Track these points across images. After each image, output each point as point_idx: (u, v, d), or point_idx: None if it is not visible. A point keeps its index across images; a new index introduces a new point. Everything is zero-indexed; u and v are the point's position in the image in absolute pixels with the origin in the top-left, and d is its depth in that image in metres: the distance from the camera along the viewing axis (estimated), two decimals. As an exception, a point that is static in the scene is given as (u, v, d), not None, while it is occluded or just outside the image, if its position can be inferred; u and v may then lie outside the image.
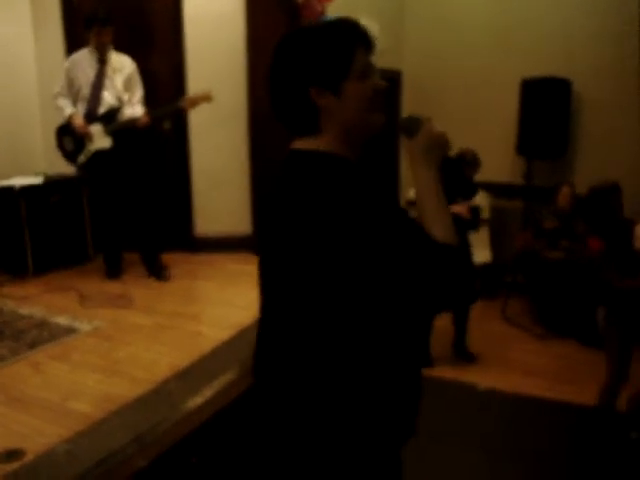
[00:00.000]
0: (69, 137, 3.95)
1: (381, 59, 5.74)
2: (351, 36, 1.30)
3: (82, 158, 3.94)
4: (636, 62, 5.05)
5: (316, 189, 1.22)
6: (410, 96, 6.06)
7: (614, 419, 3.35)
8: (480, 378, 4.10)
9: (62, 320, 3.34)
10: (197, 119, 4.37)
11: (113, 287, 3.89)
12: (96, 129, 3.88)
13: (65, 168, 4.64)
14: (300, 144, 1.33)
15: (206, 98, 3.80)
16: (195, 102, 3.81)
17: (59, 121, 4.05)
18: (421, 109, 6.14)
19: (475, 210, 4.09)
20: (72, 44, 4.59)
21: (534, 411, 3.70)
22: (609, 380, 3.33)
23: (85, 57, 3.92)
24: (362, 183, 1.23)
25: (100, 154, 3.90)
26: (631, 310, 3.24)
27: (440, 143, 1.32)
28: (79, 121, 3.87)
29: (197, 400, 2.46)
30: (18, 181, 4.17)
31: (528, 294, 5.28)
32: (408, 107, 6.08)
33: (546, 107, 5.11)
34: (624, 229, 3.23)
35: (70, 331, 3.19)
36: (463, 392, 3.94)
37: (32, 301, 3.65)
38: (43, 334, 3.15)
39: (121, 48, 3.95)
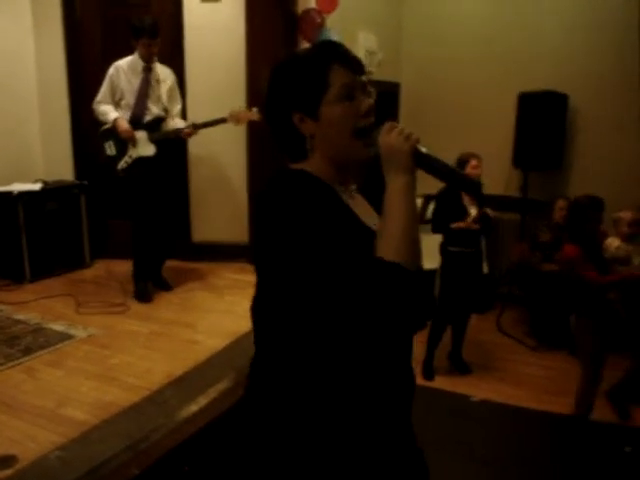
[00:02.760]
0: (111, 141, 3.88)
1: (379, 71, 5.83)
2: (324, 58, 1.27)
3: (123, 164, 3.88)
4: (632, 77, 5.09)
5: (265, 198, 1.22)
6: (408, 108, 6.09)
7: (590, 427, 3.44)
8: (475, 389, 4.10)
9: (57, 326, 3.34)
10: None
11: (109, 294, 3.89)
12: (140, 136, 3.85)
13: (64, 175, 4.67)
14: (293, 166, 1.33)
15: (252, 116, 3.79)
16: (239, 118, 3.80)
17: (59, 127, 4.06)
18: (418, 121, 6.24)
19: (485, 216, 4.10)
20: (73, 53, 4.65)
21: (527, 422, 3.71)
22: (584, 386, 3.45)
23: (130, 66, 3.87)
24: (315, 202, 1.18)
25: (142, 161, 3.86)
26: (606, 318, 3.36)
27: (398, 146, 1.20)
28: (125, 126, 3.82)
29: (192, 408, 2.46)
30: (16, 187, 4.18)
31: (523, 306, 5.29)
32: (406, 119, 6.11)
33: (543, 120, 5.13)
34: (598, 241, 3.52)
35: (65, 337, 3.19)
36: (458, 403, 3.95)
37: (28, 307, 3.65)
38: (38, 340, 3.14)
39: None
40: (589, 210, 3.45)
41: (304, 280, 1.12)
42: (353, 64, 1.28)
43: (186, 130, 3.87)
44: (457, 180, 1.27)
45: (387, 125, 1.23)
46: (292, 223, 1.14)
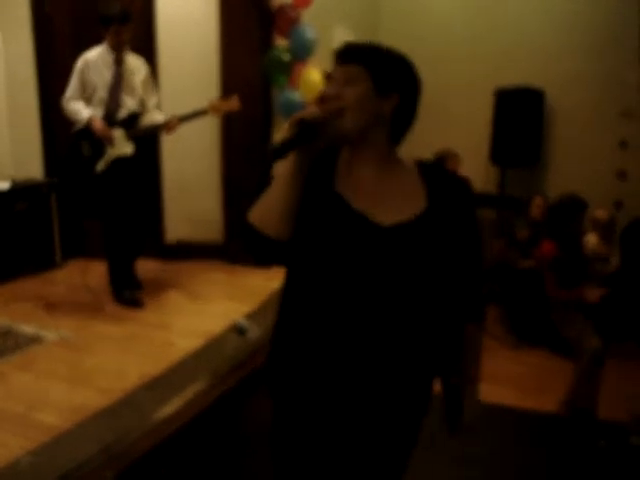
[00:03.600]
0: (86, 142, 3.66)
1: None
2: None
3: (102, 164, 3.68)
4: (608, 73, 5.16)
5: None
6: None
7: (590, 425, 3.42)
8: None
9: (28, 329, 3.28)
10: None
11: (81, 295, 3.82)
12: (117, 133, 3.66)
13: (33, 173, 4.56)
14: None
15: (231, 105, 3.69)
16: (219, 108, 3.70)
17: (28, 124, 3.96)
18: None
19: None
20: (42, 48, 4.55)
21: (506, 420, 3.71)
22: (577, 387, 3.42)
23: (100, 57, 3.66)
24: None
25: (120, 160, 3.68)
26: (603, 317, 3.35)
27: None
28: (100, 124, 3.60)
29: (166, 410, 2.44)
30: (-16, 186, 4.09)
31: (502, 304, 5.32)
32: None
33: (519, 117, 5.17)
34: (578, 240, 3.57)
35: (36, 340, 3.14)
36: (436, 402, 3.93)
37: (-3, 309, 3.57)
38: (7, 343, 3.09)
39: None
40: (573, 211, 3.46)
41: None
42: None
43: (170, 124, 3.70)
44: (289, 143, 1.31)
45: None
46: None
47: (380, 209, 1.38)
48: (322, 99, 1.35)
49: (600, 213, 4.11)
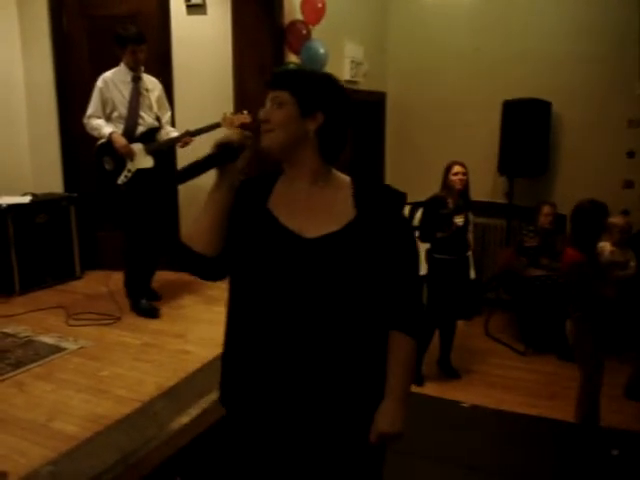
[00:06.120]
0: (109, 157, 3.82)
1: (366, 81, 5.86)
2: None
3: (123, 178, 3.81)
4: (614, 83, 5.17)
5: None
6: (394, 117, 6.16)
7: (598, 434, 3.39)
8: (464, 394, 4.13)
9: (48, 339, 3.33)
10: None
11: (100, 306, 3.89)
12: (137, 148, 3.80)
13: (53, 187, 4.67)
14: None
15: (244, 119, 3.79)
16: (233, 122, 3.79)
17: (48, 140, 4.04)
18: (405, 129, 6.28)
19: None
20: (61, 67, 4.67)
21: (517, 427, 3.73)
22: (586, 392, 3.37)
23: (118, 76, 3.84)
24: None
25: (141, 173, 3.83)
26: (605, 319, 3.35)
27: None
28: (121, 140, 3.75)
29: (183, 420, 2.46)
30: (5, 200, 4.18)
31: (511, 311, 5.34)
32: (392, 127, 6.18)
33: (527, 127, 5.19)
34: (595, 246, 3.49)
35: (56, 350, 3.18)
36: (447, 409, 3.97)
37: (18, 320, 3.64)
38: (28, 353, 3.13)
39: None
40: (595, 215, 3.37)
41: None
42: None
43: (184, 139, 3.85)
44: (204, 162, 1.48)
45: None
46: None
47: (308, 223, 1.48)
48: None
49: (616, 219, 4.13)
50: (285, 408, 1.48)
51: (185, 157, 4.49)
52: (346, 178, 1.57)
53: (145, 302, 3.85)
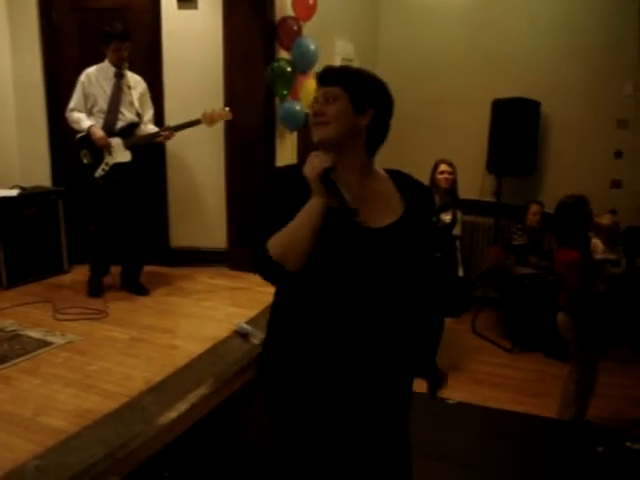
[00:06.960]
0: (86, 150, 3.87)
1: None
2: None
3: (100, 171, 3.87)
4: (603, 83, 5.21)
5: None
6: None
7: (587, 431, 3.42)
8: (451, 391, 4.11)
9: (35, 333, 3.31)
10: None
11: (87, 300, 3.88)
12: (115, 142, 3.86)
13: (41, 181, 4.63)
14: None
15: (224, 115, 3.87)
16: (213, 118, 3.84)
17: (36, 133, 4.01)
18: (395, 127, 6.21)
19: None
20: (50, 60, 4.62)
21: (503, 424, 3.75)
22: (578, 389, 3.39)
23: (101, 72, 3.90)
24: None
25: (118, 167, 3.88)
26: (600, 315, 3.37)
27: (307, 174, 1.48)
28: (99, 133, 3.81)
29: (171, 415, 2.46)
30: (-8, 193, 4.15)
31: (498, 308, 5.37)
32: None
33: (516, 127, 5.23)
34: (588, 241, 3.49)
35: (43, 345, 3.17)
36: (434, 405, 3.98)
37: (4, 314, 3.61)
38: (15, 348, 3.11)
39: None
40: (583, 208, 3.37)
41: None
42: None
43: (163, 134, 3.88)
44: (345, 209, 1.46)
45: (310, 155, 1.51)
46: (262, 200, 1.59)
47: (367, 214, 1.51)
48: (315, 114, 1.54)
49: (604, 219, 4.18)
50: (338, 400, 1.55)
51: (176, 150, 4.50)
52: (382, 171, 1.67)
53: (96, 281, 4.03)
